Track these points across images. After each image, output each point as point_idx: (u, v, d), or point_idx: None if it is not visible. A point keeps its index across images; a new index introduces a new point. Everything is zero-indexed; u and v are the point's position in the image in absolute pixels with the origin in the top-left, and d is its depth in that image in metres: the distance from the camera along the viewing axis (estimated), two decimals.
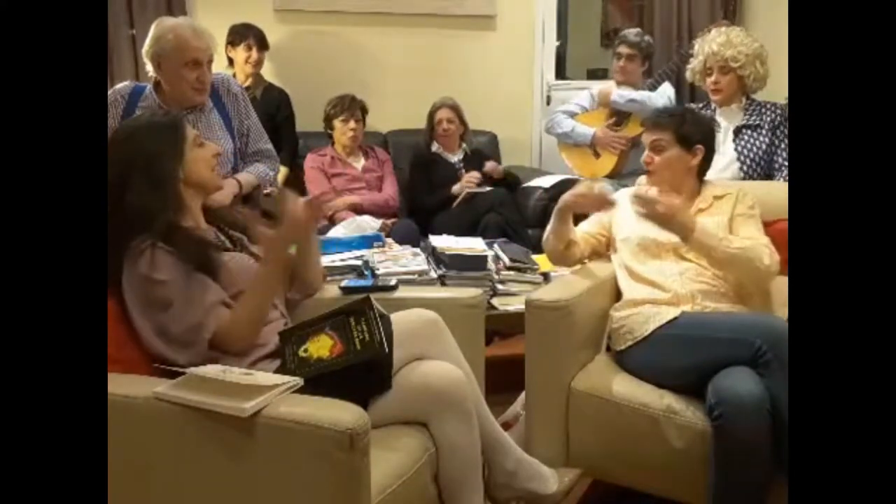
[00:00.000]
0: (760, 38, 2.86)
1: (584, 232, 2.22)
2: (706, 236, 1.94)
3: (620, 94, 3.70)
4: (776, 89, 2.81)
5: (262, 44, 3.74)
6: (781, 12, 1.57)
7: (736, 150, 2.77)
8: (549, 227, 2.16)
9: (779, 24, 1.80)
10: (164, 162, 1.66)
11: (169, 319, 1.56)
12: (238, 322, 1.61)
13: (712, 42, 2.81)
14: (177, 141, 1.69)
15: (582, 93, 3.97)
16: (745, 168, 2.76)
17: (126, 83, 2.42)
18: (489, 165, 3.78)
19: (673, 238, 2.02)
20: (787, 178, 2.69)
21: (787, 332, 1.58)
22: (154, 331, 1.57)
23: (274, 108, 3.75)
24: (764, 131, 2.77)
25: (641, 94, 3.67)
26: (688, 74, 2.98)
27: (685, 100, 4.16)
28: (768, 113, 2.80)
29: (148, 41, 2.29)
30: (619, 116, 3.76)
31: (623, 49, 3.76)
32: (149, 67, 2.32)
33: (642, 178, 2.23)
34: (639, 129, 3.65)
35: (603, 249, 2.23)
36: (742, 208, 2.09)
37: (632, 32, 3.82)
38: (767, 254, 1.94)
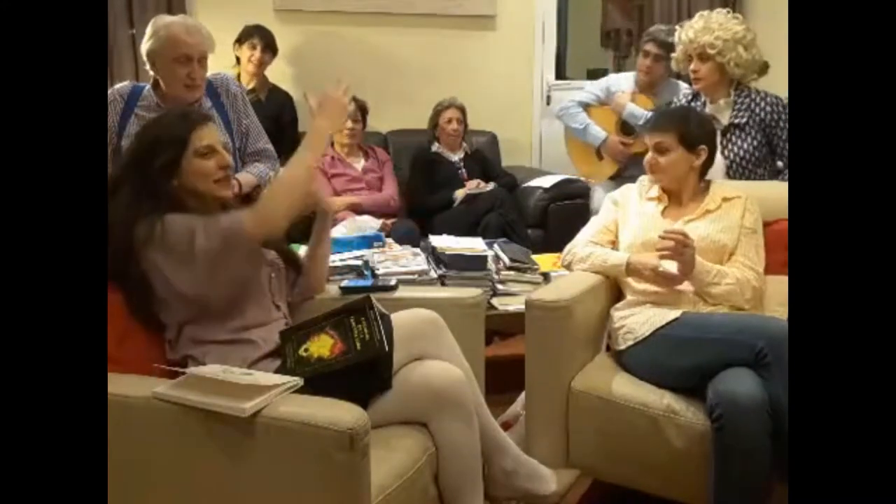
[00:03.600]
0: (761, 34, 2.74)
1: (592, 240, 2.18)
2: (703, 273, 1.95)
3: (633, 113, 3.60)
4: (777, 83, 2.75)
5: (269, 46, 3.73)
6: (782, 7, 1.56)
7: (723, 153, 2.68)
8: (599, 264, 2.11)
9: (779, 20, 1.80)
10: (160, 172, 1.66)
11: (201, 238, 1.58)
12: (271, 198, 1.65)
13: (689, 28, 2.71)
14: (177, 151, 1.67)
15: (602, 80, 3.87)
16: (731, 171, 2.68)
17: (125, 83, 2.42)
18: (472, 183, 3.71)
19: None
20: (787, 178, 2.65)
21: (787, 334, 1.58)
22: (203, 271, 1.59)
23: (279, 110, 3.75)
24: (753, 130, 2.68)
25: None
26: (672, 64, 2.89)
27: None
28: (757, 108, 2.68)
29: (144, 39, 2.30)
30: (628, 125, 3.73)
31: (651, 48, 3.60)
32: (147, 66, 2.33)
33: (644, 178, 2.22)
34: (646, 146, 3.61)
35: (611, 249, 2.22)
36: (749, 220, 2.07)
37: (664, 30, 3.61)
38: (751, 287, 1.97)
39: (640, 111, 3.60)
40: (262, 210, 1.63)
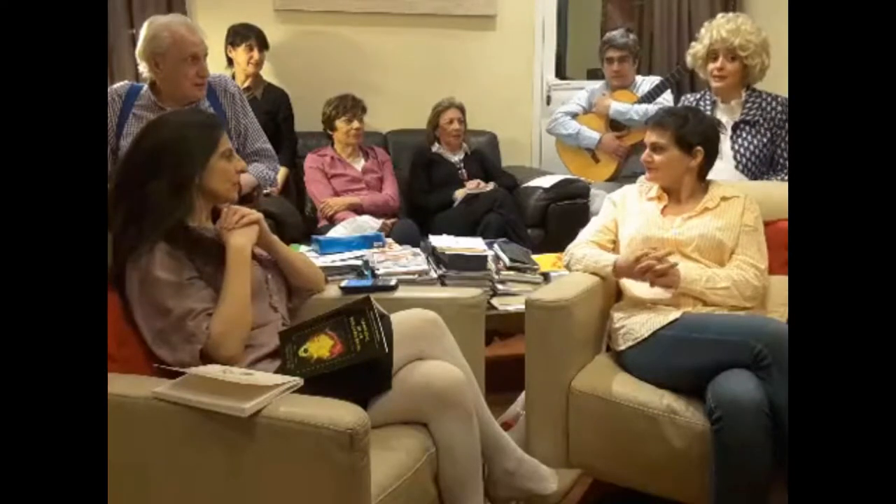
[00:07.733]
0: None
1: (592, 240, 2.19)
2: (692, 283, 1.96)
3: (618, 110, 3.68)
4: (777, 85, 2.78)
5: (263, 44, 3.74)
6: (782, 7, 1.57)
7: (733, 148, 2.74)
8: (591, 266, 2.11)
9: (779, 19, 1.80)
10: (189, 169, 1.65)
11: (167, 325, 1.56)
12: (225, 334, 1.59)
13: (721, 28, 2.76)
14: (208, 149, 1.68)
15: (580, 92, 3.96)
16: (740, 167, 2.72)
17: (122, 83, 2.42)
18: (472, 183, 3.72)
19: (677, 236, 2.02)
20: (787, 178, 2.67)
21: (787, 336, 1.58)
22: (154, 334, 1.57)
23: (274, 107, 3.75)
24: (763, 128, 2.74)
25: (639, 110, 3.63)
26: (688, 59, 2.91)
27: (685, 90, 4.14)
28: (769, 108, 2.75)
29: (142, 42, 2.29)
30: (617, 123, 3.76)
31: (613, 53, 3.76)
32: (142, 68, 2.32)
33: (643, 178, 2.23)
34: (640, 136, 3.65)
35: (612, 249, 2.22)
36: (749, 218, 2.07)
37: (617, 34, 3.80)
38: (752, 286, 1.98)
39: (625, 106, 3.69)
40: (219, 343, 1.57)
